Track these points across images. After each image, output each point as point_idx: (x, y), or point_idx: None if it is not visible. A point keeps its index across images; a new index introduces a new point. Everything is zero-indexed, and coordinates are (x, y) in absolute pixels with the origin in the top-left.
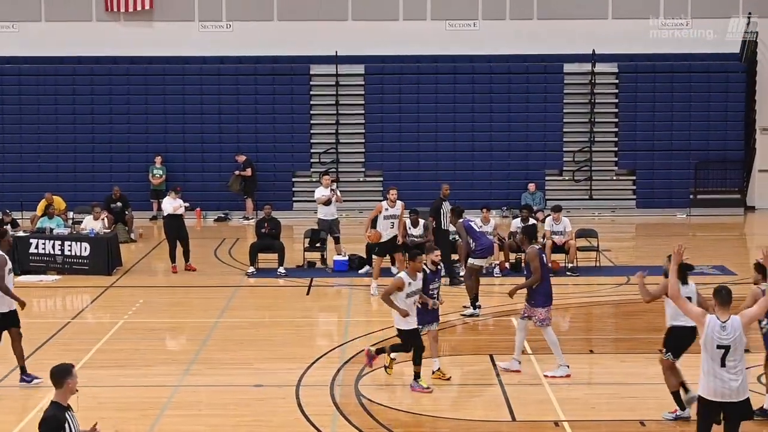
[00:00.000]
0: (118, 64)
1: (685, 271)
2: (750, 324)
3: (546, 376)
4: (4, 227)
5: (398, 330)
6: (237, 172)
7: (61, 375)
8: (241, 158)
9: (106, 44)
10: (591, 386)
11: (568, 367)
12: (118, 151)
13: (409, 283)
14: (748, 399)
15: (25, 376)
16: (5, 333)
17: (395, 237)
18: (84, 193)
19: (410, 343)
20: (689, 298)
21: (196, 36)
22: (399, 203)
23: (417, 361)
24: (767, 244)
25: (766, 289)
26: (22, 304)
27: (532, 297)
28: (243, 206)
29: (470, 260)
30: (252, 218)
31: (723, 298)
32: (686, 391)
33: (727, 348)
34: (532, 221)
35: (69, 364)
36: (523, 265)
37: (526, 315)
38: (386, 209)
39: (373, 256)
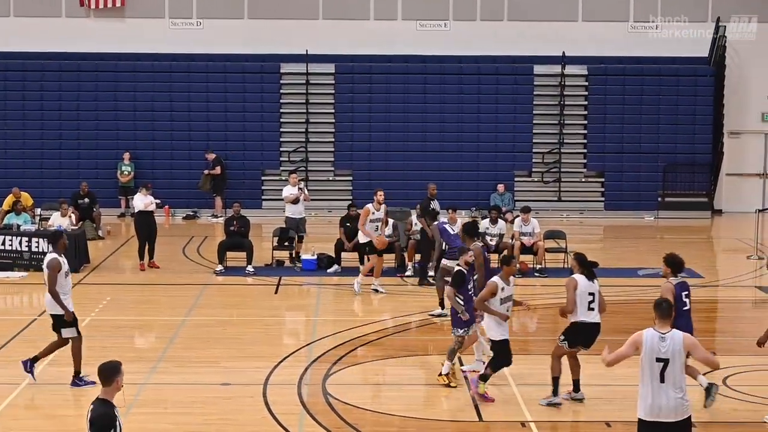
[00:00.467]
0: (87, 60)
1: (591, 269)
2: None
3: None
4: (60, 230)
5: (492, 342)
6: (207, 171)
7: (112, 372)
8: (211, 156)
9: (75, 40)
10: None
11: (483, 362)
12: (86, 147)
13: (503, 288)
14: (688, 419)
15: (73, 384)
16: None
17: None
18: (51, 190)
19: (501, 354)
20: (592, 295)
21: (167, 33)
22: (383, 206)
23: (494, 368)
24: (734, 247)
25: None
26: (68, 315)
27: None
28: (212, 204)
29: (443, 261)
30: (221, 216)
31: (663, 311)
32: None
33: (666, 361)
34: (501, 222)
35: (117, 362)
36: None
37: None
38: (373, 212)
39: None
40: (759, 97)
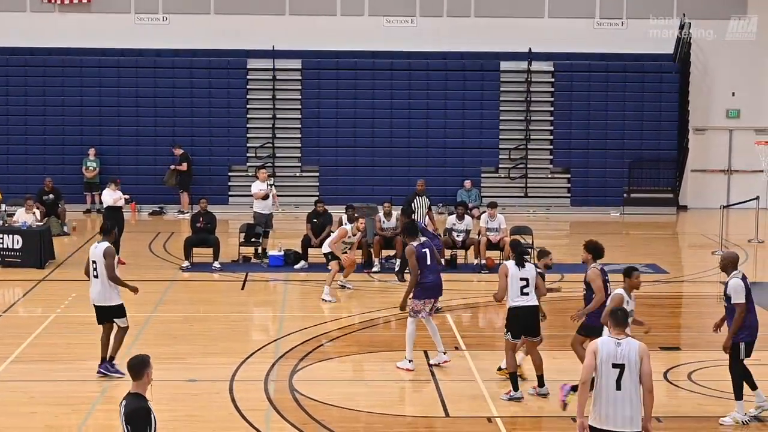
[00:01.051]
0: (53, 55)
1: (521, 255)
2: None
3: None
4: (111, 224)
5: None
6: (173, 167)
7: (142, 366)
8: (178, 151)
9: (40, 35)
10: (523, 383)
11: (410, 362)
12: (52, 143)
13: (627, 302)
14: None
15: (103, 368)
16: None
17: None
18: (17, 185)
19: None
20: (525, 280)
21: (133, 28)
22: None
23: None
24: (699, 243)
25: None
26: (135, 290)
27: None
28: (178, 200)
29: None
30: (187, 212)
31: (618, 318)
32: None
33: (622, 367)
34: (468, 218)
35: (146, 356)
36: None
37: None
38: (349, 236)
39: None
40: (724, 93)
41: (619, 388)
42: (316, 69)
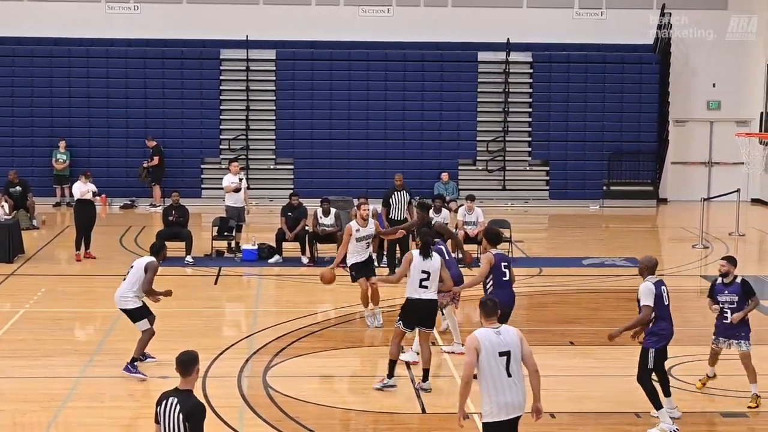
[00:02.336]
0: (22, 45)
1: (427, 245)
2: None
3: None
4: (161, 244)
5: None
6: (145, 164)
7: (192, 362)
8: (152, 143)
9: (9, 24)
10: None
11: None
12: (21, 135)
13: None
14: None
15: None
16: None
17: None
18: None
19: None
20: (427, 273)
21: (103, 17)
22: (372, 221)
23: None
24: (679, 236)
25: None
26: (168, 293)
27: None
28: (150, 193)
29: None
30: (159, 206)
31: (489, 309)
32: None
33: (508, 354)
34: (445, 212)
35: (195, 352)
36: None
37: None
38: (357, 230)
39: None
40: (704, 85)
41: (509, 375)
42: (291, 59)
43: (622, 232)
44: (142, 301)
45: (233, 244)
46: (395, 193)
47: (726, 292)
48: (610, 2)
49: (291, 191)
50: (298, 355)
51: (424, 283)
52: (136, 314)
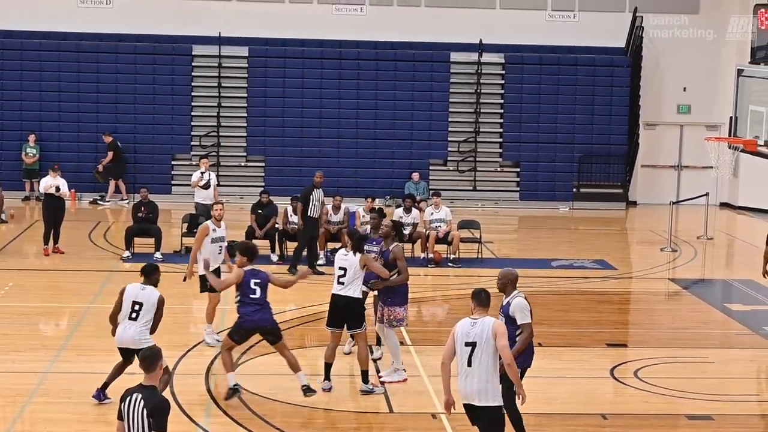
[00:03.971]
0: None
1: (360, 242)
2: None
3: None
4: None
5: None
6: (100, 168)
7: (156, 358)
8: (108, 138)
9: None
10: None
11: (405, 371)
12: None
13: None
14: (497, 408)
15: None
16: None
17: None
18: None
19: None
20: (343, 270)
21: (75, 11)
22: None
23: None
24: (648, 239)
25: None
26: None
27: (389, 295)
28: (117, 189)
29: None
30: (127, 200)
31: (481, 299)
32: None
33: (473, 345)
34: (415, 211)
35: (158, 347)
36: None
37: (383, 318)
38: (213, 230)
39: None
40: (675, 88)
41: (470, 365)
42: (263, 57)
43: (591, 234)
44: None
45: None
46: (315, 190)
47: None
48: (583, 5)
49: (262, 189)
50: (266, 353)
51: (341, 280)
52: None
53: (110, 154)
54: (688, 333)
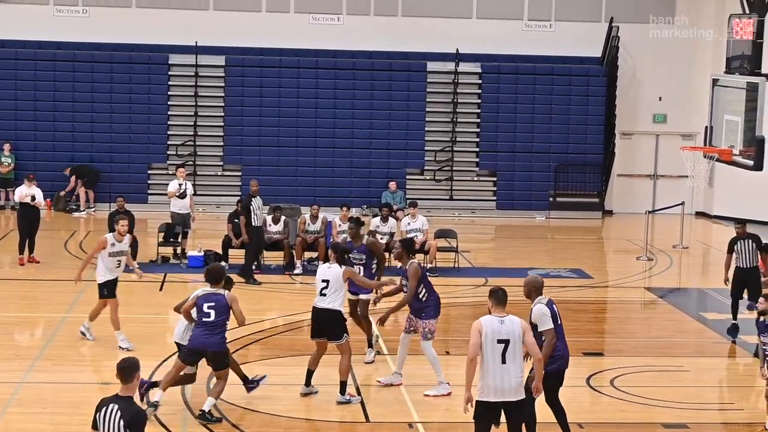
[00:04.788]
0: None
1: (344, 255)
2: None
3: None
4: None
5: None
6: (62, 193)
7: (133, 369)
8: (67, 171)
9: None
10: (447, 387)
11: (448, 384)
12: None
13: None
14: (524, 400)
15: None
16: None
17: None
18: None
19: None
20: (326, 282)
21: (51, 20)
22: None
23: None
24: (624, 248)
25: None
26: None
27: (423, 309)
28: (96, 198)
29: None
30: (93, 208)
31: (498, 297)
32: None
33: (506, 342)
34: (392, 221)
35: (136, 358)
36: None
37: (411, 329)
38: (112, 243)
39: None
40: (651, 98)
41: (504, 362)
42: (240, 66)
43: (567, 243)
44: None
45: (179, 250)
46: (253, 200)
47: (766, 333)
48: (559, 15)
49: (238, 198)
50: (243, 363)
51: (323, 291)
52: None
53: (72, 180)
54: (664, 342)
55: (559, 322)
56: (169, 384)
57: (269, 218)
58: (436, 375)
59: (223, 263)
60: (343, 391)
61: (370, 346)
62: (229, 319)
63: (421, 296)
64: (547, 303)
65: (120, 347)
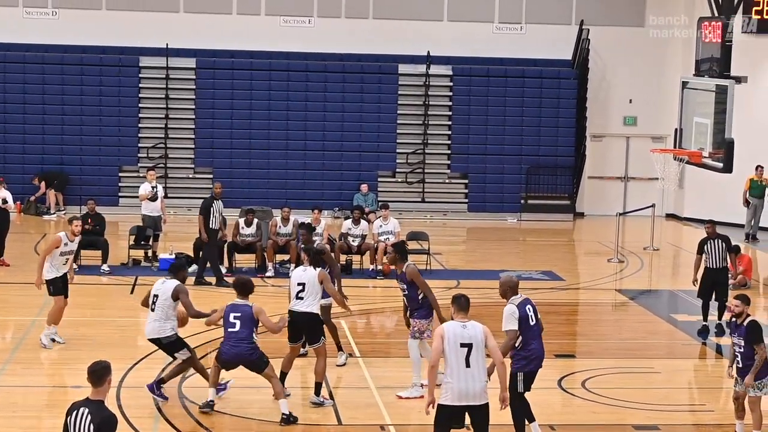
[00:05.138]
0: None
1: (316, 256)
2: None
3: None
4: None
5: None
6: (32, 198)
7: (104, 372)
8: (36, 180)
9: None
10: (420, 390)
11: (422, 386)
12: None
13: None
14: (487, 404)
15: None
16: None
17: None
18: None
19: None
20: (302, 285)
21: (21, 22)
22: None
23: None
24: (595, 250)
25: None
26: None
27: (416, 309)
28: (65, 201)
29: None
30: (63, 210)
31: (461, 304)
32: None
33: (470, 346)
34: (364, 223)
35: (108, 362)
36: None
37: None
38: (65, 243)
39: None
40: (621, 100)
41: (468, 365)
42: (211, 68)
43: (539, 245)
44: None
45: (150, 253)
46: (214, 202)
47: (736, 334)
48: (530, 17)
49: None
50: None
51: (300, 295)
52: (178, 343)
53: (42, 186)
54: (635, 343)
55: (533, 323)
56: (210, 378)
57: (242, 221)
58: (413, 376)
59: (195, 266)
60: (318, 392)
61: (340, 349)
62: (256, 329)
63: (419, 297)
64: (520, 303)
65: (41, 342)
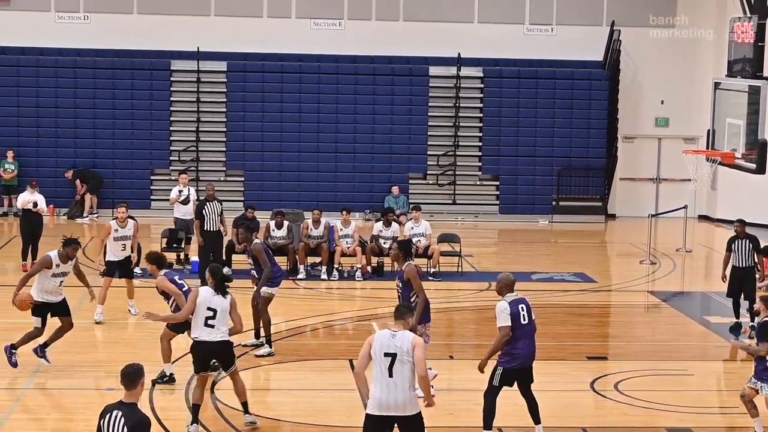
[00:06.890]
0: None
1: (222, 281)
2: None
3: None
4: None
5: None
6: (77, 197)
7: (138, 375)
8: (69, 174)
9: None
10: (450, 392)
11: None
12: None
13: None
14: (418, 415)
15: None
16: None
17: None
18: None
19: None
20: (213, 311)
21: (53, 27)
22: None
23: None
24: (627, 251)
25: None
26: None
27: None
28: (99, 204)
29: (264, 288)
30: (96, 213)
31: (396, 313)
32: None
33: (393, 356)
34: (395, 225)
35: (140, 365)
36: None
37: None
38: (116, 230)
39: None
40: (653, 101)
41: (391, 375)
42: (242, 71)
43: (570, 247)
44: None
45: (182, 255)
46: (207, 204)
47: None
48: (561, 18)
49: (244, 203)
50: (247, 368)
51: (210, 322)
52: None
53: (77, 184)
54: (668, 345)
55: (525, 322)
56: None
57: (272, 223)
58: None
59: (226, 268)
60: (247, 410)
61: (257, 337)
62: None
63: (411, 298)
64: (513, 301)
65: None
